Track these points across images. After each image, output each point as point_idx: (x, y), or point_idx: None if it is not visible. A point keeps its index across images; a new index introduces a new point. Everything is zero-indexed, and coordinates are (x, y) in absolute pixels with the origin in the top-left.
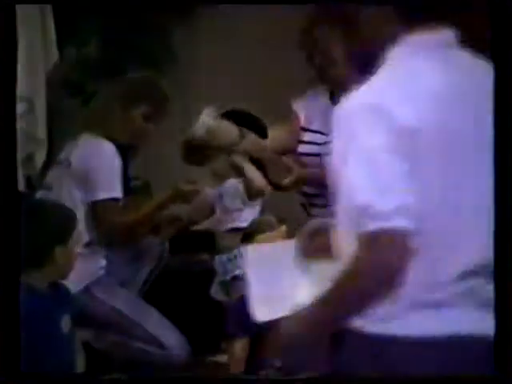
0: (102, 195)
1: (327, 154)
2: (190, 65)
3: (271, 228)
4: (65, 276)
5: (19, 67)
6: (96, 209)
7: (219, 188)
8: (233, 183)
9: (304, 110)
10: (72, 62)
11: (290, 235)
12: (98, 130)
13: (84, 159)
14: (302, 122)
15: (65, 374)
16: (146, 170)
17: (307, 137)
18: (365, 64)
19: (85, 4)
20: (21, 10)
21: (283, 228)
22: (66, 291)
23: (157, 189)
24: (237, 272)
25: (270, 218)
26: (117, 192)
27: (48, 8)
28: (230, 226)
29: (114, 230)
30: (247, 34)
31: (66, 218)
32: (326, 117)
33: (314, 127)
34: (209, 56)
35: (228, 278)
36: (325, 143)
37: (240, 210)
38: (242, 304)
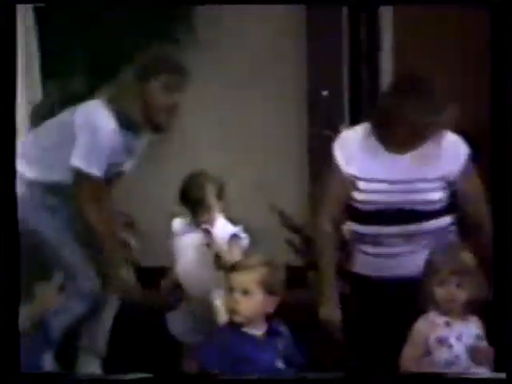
0: (77, 162)
1: None
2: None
3: None
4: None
5: None
6: (75, 179)
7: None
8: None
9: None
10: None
11: None
12: (112, 102)
13: (81, 119)
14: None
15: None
16: None
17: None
18: None
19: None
20: None
21: None
22: None
23: None
24: None
25: None
26: (93, 168)
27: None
28: None
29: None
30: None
31: None
32: None
33: None
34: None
35: None
36: None
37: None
38: None
